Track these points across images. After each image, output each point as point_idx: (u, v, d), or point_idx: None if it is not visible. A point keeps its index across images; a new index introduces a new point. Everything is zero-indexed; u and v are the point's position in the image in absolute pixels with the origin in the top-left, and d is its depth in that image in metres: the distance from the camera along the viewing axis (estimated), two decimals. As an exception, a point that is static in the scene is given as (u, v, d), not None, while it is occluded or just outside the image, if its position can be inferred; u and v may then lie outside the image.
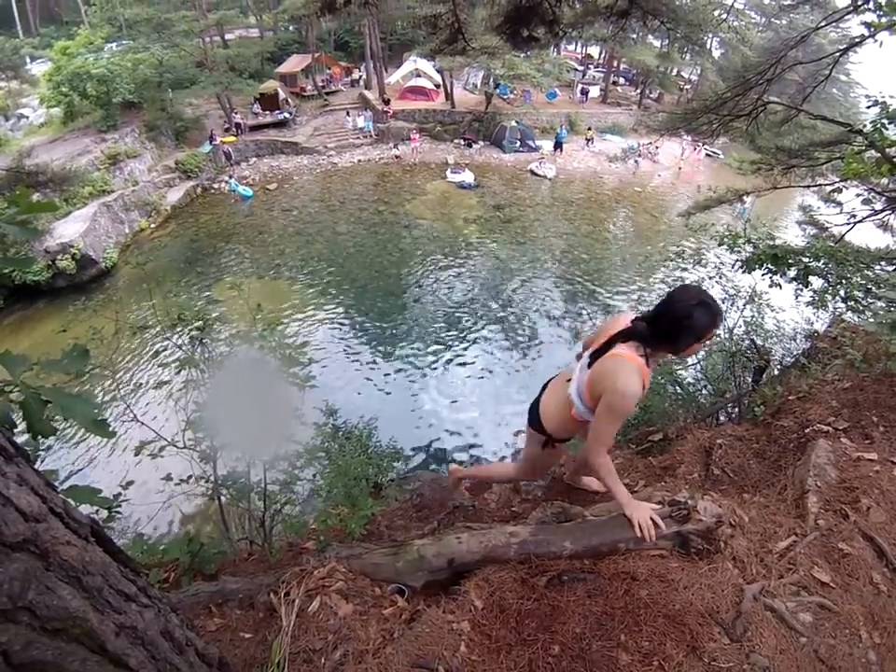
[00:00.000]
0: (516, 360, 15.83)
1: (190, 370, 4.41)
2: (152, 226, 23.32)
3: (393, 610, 2.55)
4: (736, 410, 5.75)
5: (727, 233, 7.12)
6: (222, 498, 4.63)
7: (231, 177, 27.08)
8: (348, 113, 33.44)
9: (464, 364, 15.57)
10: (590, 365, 2.66)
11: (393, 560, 2.71)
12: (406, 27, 34.55)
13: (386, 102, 32.69)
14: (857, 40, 12.22)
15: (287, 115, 32.38)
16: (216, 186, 27.33)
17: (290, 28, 40.88)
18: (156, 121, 26.98)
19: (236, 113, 30.61)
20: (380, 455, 7.13)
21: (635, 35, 34.25)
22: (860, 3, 9.93)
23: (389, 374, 14.98)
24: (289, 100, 33.24)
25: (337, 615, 2.47)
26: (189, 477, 4.49)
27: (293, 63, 35.98)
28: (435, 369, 15.28)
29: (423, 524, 4.24)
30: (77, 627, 1.23)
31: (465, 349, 16.18)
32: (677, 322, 2.44)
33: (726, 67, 32.50)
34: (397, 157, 31.06)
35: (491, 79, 33.90)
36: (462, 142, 33.42)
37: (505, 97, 35.74)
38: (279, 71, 35.42)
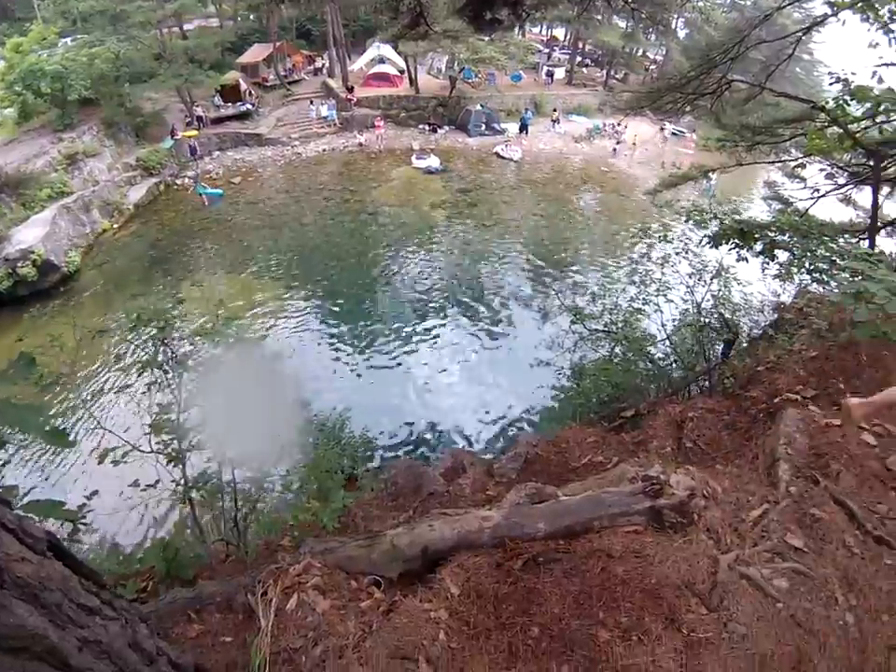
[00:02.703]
0: (487, 343, 15.91)
1: (153, 371, 4.29)
2: (115, 226, 22.69)
3: (370, 603, 2.51)
4: (707, 383, 5.83)
5: (693, 209, 7.18)
6: (194, 501, 4.54)
7: (196, 182, 26.29)
8: (311, 102, 32.92)
9: (436, 349, 15.57)
10: None
11: (367, 552, 2.68)
12: (369, 12, 34.11)
13: (350, 89, 32.26)
14: (819, 19, 12.43)
15: (249, 106, 31.72)
16: (179, 182, 26.70)
17: (251, 17, 39.90)
18: (114, 118, 26.08)
19: (197, 106, 29.86)
20: (353, 446, 7.08)
21: (600, 17, 34.23)
22: None
23: (361, 363, 14.89)
24: (252, 91, 32.55)
25: (315, 611, 2.43)
26: (157, 482, 4.38)
27: (254, 53, 35.22)
28: (407, 355, 15.25)
29: (399, 512, 4.21)
30: (37, 644, 1.20)
31: (436, 334, 16.19)
32: None
33: (691, 47, 32.69)
34: (361, 144, 30.73)
35: (455, 63, 33.66)
36: (427, 127, 33.21)
37: (470, 81, 35.55)
38: (240, 61, 34.62)
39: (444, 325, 16.67)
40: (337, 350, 15.40)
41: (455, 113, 33.72)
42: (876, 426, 3.45)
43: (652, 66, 43.11)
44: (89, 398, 10.47)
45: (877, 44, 9.65)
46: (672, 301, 8.96)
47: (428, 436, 12.51)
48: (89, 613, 1.41)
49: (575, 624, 2.19)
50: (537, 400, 13.23)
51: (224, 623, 2.74)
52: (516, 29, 40.13)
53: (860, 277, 4.11)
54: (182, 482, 4.29)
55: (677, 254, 8.03)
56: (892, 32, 9.10)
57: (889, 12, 9.14)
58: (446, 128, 33.50)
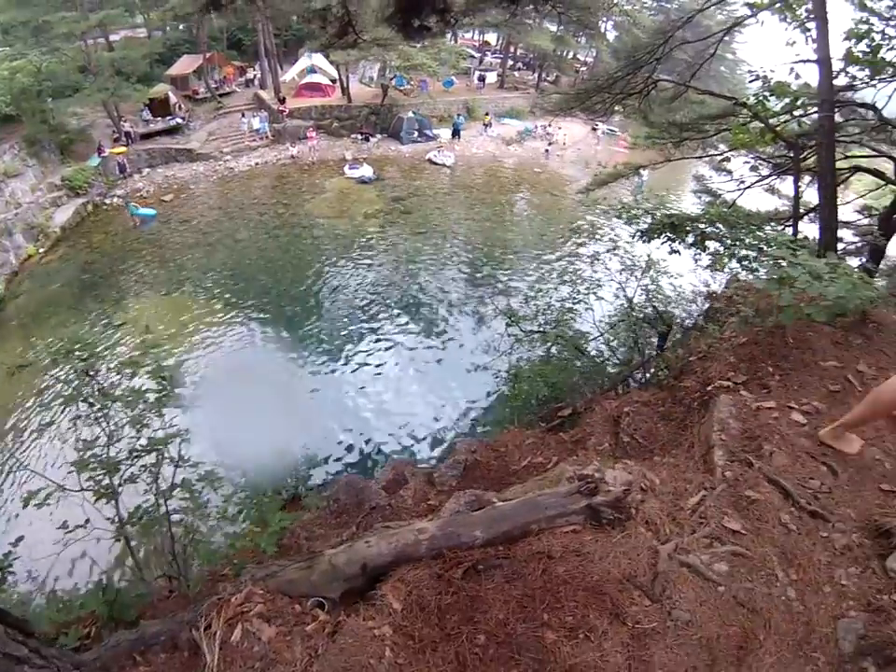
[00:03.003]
0: (426, 351, 15.99)
1: (78, 405, 4.06)
2: (41, 251, 21.56)
3: (315, 626, 2.44)
4: (643, 376, 5.96)
5: (621, 206, 7.36)
6: (130, 537, 4.32)
7: (126, 201, 25.25)
8: (243, 115, 32.31)
9: (376, 360, 15.53)
10: None
11: (307, 574, 2.60)
12: (300, 21, 33.71)
13: (282, 101, 31.85)
14: (739, 20, 13.07)
15: (179, 120, 30.85)
16: (108, 202, 25.64)
17: (180, 27, 38.61)
18: (37, 135, 24.71)
19: (125, 121, 28.81)
20: (296, 464, 6.93)
21: (531, 21, 34.86)
22: None
23: (302, 379, 14.66)
24: (182, 104, 31.69)
25: (261, 640, 2.35)
26: (87, 521, 4.14)
27: (184, 65, 34.19)
28: (347, 368, 15.15)
29: (342, 529, 4.14)
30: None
31: (375, 346, 16.16)
32: None
33: (620, 49, 33.76)
34: (294, 157, 30.35)
35: (387, 71, 33.79)
36: (359, 136, 33.12)
37: (402, 88, 35.65)
38: (169, 73, 33.56)
39: (384, 336, 16.67)
40: (277, 366, 15.09)
41: (388, 121, 33.79)
42: (805, 404, 3.59)
43: (583, 68, 44.24)
44: (10, 437, 9.88)
45: (794, 42, 10.20)
46: (603, 299, 9.20)
47: (371, 448, 12.44)
48: (17, 663, 1.39)
49: (521, 628, 2.17)
50: (476, 405, 13.43)
51: (170, 662, 2.62)
52: (448, 35, 40.63)
53: (782, 264, 4.28)
54: (116, 518, 4.08)
55: (607, 251, 8.22)
56: (808, 30, 9.60)
57: (806, 11, 9.64)
58: (379, 136, 33.51)
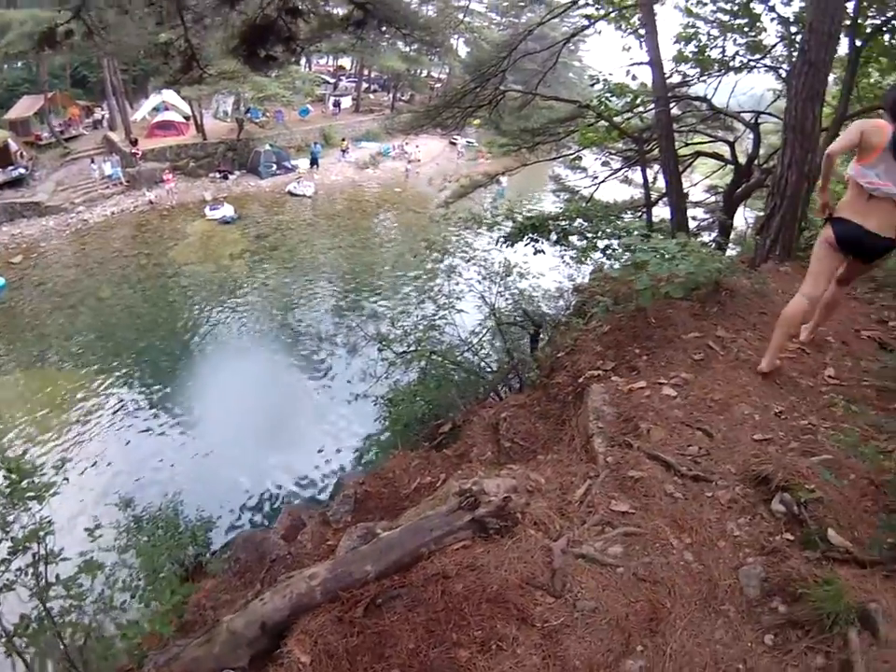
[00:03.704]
0: (308, 386, 15.78)
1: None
2: None
3: (227, 702, 2.28)
4: (517, 379, 6.15)
5: (471, 217, 7.60)
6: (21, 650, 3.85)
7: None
8: (93, 160, 29.89)
9: (261, 403, 14.99)
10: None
11: (209, 648, 2.43)
12: (144, 56, 31.86)
13: (134, 142, 29.95)
14: (577, 30, 14.06)
15: (22, 170, 27.79)
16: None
17: (18, 64, 35.20)
18: None
19: (-45, 178, 25.97)
20: (193, 531, 6.50)
21: (384, 43, 35.40)
22: (577, 0, 11.45)
23: (187, 438, 13.83)
24: (24, 152, 28.56)
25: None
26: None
27: (24, 107, 30.84)
28: (232, 417, 14.40)
29: (247, 590, 3.93)
30: None
31: (256, 388, 15.64)
32: None
33: (470, 64, 34.96)
34: (152, 202, 28.61)
35: (241, 104, 32.97)
36: (218, 175, 31.97)
37: (257, 121, 34.87)
38: (8, 118, 30.04)
39: (264, 377, 16.24)
40: (157, 430, 14.17)
41: (246, 156, 32.97)
42: (673, 378, 3.84)
43: (437, 85, 45.42)
44: None
45: (630, 48, 11.15)
46: (463, 311, 9.45)
47: (267, 497, 12.05)
48: None
49: (433, 654, 2.14)
50: (361, 434, 13.30)
51: None
52: (302, 61, 40.40)
53: (635, 250, 4.59)
54: (2, 632, 3.62)
55: (466, 262, 8.43)
56: (642, 36, 10.46)
57: (639, 20, 10.53)
58: (237, 173, 32.57)
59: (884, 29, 9.31)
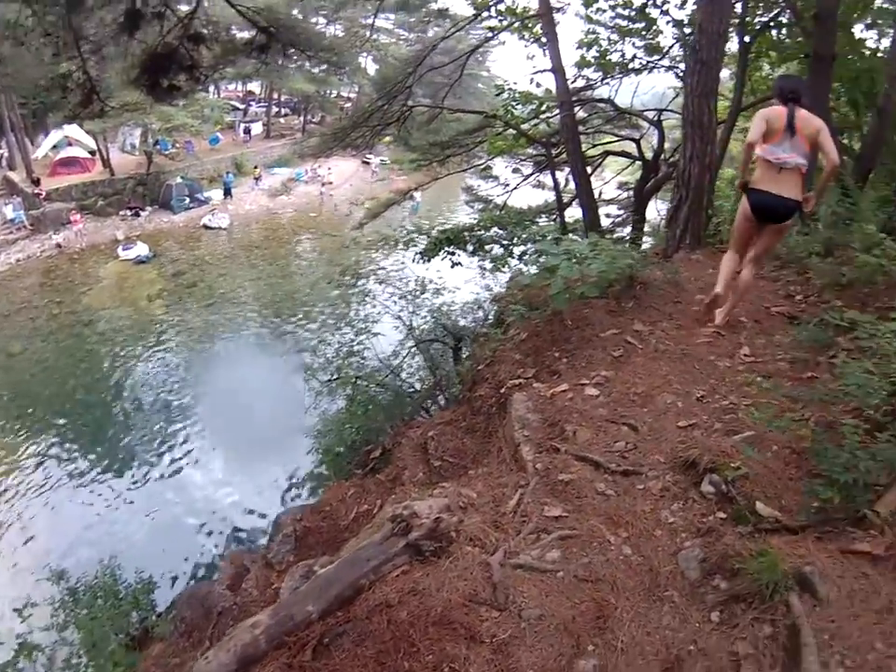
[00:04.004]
0: (240, 425, 15.08)
1: None
2: None
3: None
4: (443, 396, 6.16)
5: (382, 239, 7.62)
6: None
7: None
8: (-8, 203, 28.15)
9: (191, 450, 14.48)
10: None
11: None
12: (42, 90, 30.11)
13: (36, 182, 28.05)
14: (481, 42, 14.36)
15: None
16: None
17: None
18: None
19: None
20: (134, 595, 6.13)
21: (293, 65, 35.00)
22: (481, 12, 11.71)
23: (119, 495, 13.06)
24: None
25: None
26: None
27: None
28: (164, 468, 13.89)
29: (197, 649, 3.73)
30: None
31: (185, 434, 15.07)
32: None
33: (378, 81, 35.03)
34: (60, 245, 27.00)
35: (149, 136, 31.68)
36: (129, 212, 30.47)
37: (167, 153, 33.74)
38: None
39: (194, 422, 15.58)
40: (87, 490, 13.32)
41: (157, 190, 31.60)
42: (595, 377, 3.92)
43: (348, 105, 45.23)
44: None
45: (534, 56, 11.49)
46: (382, 335, 9.42)
47: (209, 546, 11.61)
48: None
49: (386, 686, 2.09)
50: (295, 469, 13.01)
51: None
52: (211, 88, 39.48)
53: (546, 255, 4.68)
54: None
55: (380, 283, 8.46)
56: (545, 45, 10.77)
57: (541, 29, 10.86)
58: (149, 209, 31.20)
59: (771, 25, 10.19)
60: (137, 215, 30.38)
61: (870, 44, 10.88)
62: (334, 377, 8.96)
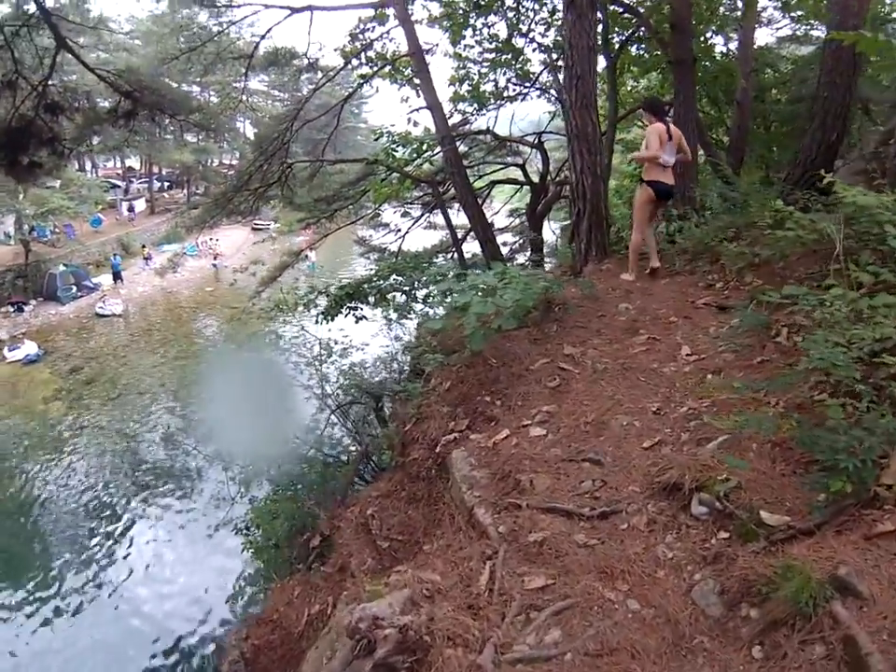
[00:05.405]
0: (163, 529, 13.94)
1: None
2: None
3: None
4: (372, 464, 5.71)
5: (275, 306, 7.28)
6: None
7: None
8: None
9: (125, 558, 13.05)
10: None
11: None
12: None
13: None
14: (353, 91, 14.31)
15: None
16: None
17: None
18: None
19: None
20: None
21: (169, 136, 34.18)
22: (350, 60, 11.64)
23: (47, 623, 11.30)
24: None
25: None
26: None
27: None
28: (84, 594, 12.18)
29: None
30: None
31: (103, 549, 13.50)
32: None
33: (257, 143, 34.52)
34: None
35: (24, 223, 29.63)
36: (11, 308, 28.05)
37: (45, 240, 31.50)
38: None
39: (111, 533, 14.05)
40: (11, 626, 11.40)
41: (39, 281, 29.36)
42: (536, 415, 3.54)
43: (231, 172, 44.32)
44: None
45: (408, 98, 11.52)
46: (293, 410, 8.85)
47: (165, 649, 10.20)
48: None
49: None
50: (230, 573, 11.69)
51: None
52: (88, 166, 37.56)
53: (453, 293, 4.36)
54: None
55: (284, 353, 8.04)
56: (418, 85, 10.91)
57: (412, 70, 10.99)
58: (34, 302, 28.81)
59: (630, 42, 11.40)
60: (21, 310, 28.03)
61: (719, 48, 12.47)
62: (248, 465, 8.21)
